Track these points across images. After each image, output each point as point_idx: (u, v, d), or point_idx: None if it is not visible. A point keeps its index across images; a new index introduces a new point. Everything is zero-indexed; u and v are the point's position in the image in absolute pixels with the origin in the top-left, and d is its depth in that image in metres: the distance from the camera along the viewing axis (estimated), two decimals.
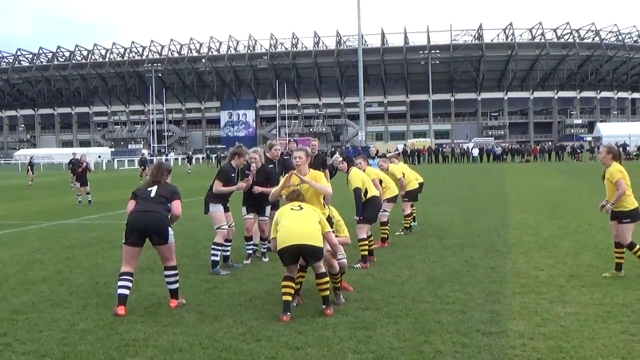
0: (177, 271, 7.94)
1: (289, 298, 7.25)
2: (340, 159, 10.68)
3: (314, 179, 8.24)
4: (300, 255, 7.35)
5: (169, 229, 7.82)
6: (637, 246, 8.98)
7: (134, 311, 7.58)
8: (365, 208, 10.48)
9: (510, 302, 7.67)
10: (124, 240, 7.78)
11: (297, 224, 7.35)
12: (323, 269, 7.45)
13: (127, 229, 7.74)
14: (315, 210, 7.67)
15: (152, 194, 7.90)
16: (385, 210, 12.30)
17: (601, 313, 7.16)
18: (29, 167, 38.65)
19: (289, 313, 7.09)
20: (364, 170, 11.75)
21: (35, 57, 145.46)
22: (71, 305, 7.86)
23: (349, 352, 5.95)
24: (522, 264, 10.18)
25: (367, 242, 10.30)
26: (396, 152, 16.24)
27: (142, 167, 43.75)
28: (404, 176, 13.92)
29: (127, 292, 7.57)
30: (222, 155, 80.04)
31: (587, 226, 14.60)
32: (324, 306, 7.32)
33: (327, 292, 7.36)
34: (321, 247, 7.38)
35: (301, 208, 7.57)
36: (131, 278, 7.68)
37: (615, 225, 9.17)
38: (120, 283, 7.58)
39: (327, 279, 7.43)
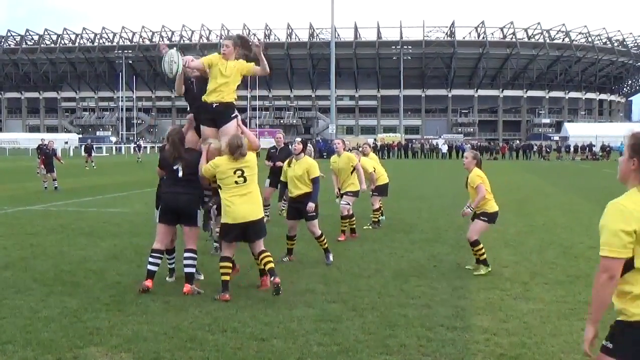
0: (196, 255, 8.03)
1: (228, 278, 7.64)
2: (299, 139, 10.25)
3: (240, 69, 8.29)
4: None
5: (198, 212, 8.03)
6: (480, 246, 9.24)
7: (98, 300, 7.52)
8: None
9: (475, 298, 7.75)
10: (157, 220, 8.09)
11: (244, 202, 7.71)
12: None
13: (161, 209, 8.04)
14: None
15: (180, 174, 7.94)
16: (347, 204, 12.28)
17: (564, 310, 7.27)
18: None
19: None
20: (338, 155, 12.37)
21: (2, 40, 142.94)
22: (35, 293, 7.76)
23: (314, 344, 5.97)
24: (488, 260, 10.28)
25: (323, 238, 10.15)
26: (365, 144, 15.97)
27: (88, 154, 42.51)
28: (374, 170, 13.95)
29: (155, 268, 7.87)
30: None
31: (552, 224, 14.79)
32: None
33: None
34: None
35: (245, 180, 7.68)
36: (161, 256, 8.01)
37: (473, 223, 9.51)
38: (150, 260, 7.89)
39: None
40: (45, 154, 24.45)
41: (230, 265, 7.73)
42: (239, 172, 7.60)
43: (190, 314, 6.96)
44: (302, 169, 9.91)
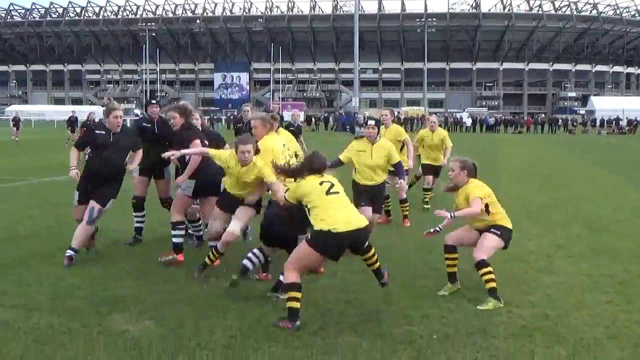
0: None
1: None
2: (373, 123, 8.73)
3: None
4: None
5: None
6: (489, 268, 6.54)
7: (123, 268, 7.60)
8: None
9: (498, 270, 7.68)
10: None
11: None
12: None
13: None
14: None
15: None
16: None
17: (587, 283, 7.23)
18: (14, 124, 38.64)
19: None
20: (386, 127, 11.04)
21: (27, 13, 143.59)
22: (60, 261, 7.84)
23: (336, 314, 6.00)
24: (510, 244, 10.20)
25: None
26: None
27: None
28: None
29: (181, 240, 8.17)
30: (215, 117, 79.83)
31: (577, 198, 14.67)
32: None
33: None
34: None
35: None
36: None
37: (468, 228, 7.16)
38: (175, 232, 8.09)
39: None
40: (87, 126, 24.79)
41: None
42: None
43: (213, 283, 7.01)
44: (382, 155, 8.75)
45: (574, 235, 10.07)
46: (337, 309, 6.14)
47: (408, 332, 5.57)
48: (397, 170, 8.92)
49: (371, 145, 8.75)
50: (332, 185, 6.10)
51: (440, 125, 14.39)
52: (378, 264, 6.26)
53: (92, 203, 7.89)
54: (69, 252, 7.78)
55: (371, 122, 8.80)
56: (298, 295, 5.69)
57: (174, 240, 8.00)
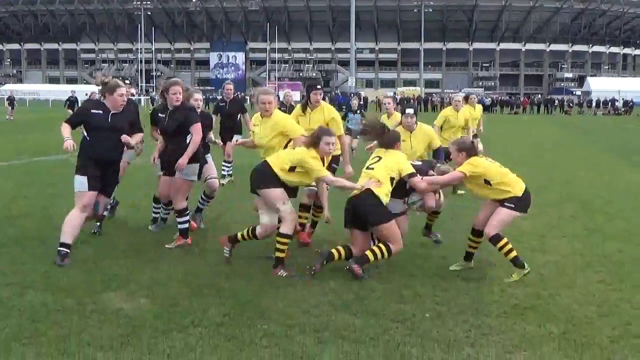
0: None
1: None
2: (412, 111, 8.39)
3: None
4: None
5: None
6: (504, 241, 6.71)
7: (117, 247, 7.61)
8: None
9: (492, 250, 7.71)
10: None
11: None
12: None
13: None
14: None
15: None
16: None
17: (580, 263, 7.27)
18: (9, 103, 38.55)
19: None
20: (388, 117, 11.49)
21: None
22: (55, 240, 7.79)
23: (329, 292, 6.03)
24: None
25: None
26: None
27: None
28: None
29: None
30: (210, 97, 79.51)
31: (572, 178, 14.70)
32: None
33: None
34: None
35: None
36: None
37: (490, 206, 6.96)
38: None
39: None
40: None
41: None
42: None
43: (207, 261, 7.04)
44: (422, 143, 8.43)
45: (568, 216, 10.11)
46: (331, 287, 6.16)
47: (401, 310, 5.60)
48: (436, 155, 8.42)
49: (409, 134, 8.31)
50: (378, 160, 6.89)
51: (435, 107, 14.40)
52: (366, 256, 6.57)
53: (99, 197, 7.30)
54: (63, 250, 6.95)
55: (409, 111, 8.34)
56: (342, 252, 6.66)
57: (180, 227, 7.77)
